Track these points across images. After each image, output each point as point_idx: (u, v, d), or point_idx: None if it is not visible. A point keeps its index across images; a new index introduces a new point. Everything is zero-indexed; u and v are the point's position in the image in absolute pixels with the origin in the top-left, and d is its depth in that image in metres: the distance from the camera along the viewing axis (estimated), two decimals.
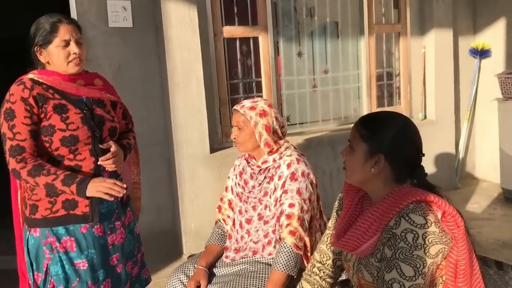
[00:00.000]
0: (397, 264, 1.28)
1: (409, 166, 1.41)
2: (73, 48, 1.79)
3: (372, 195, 1.45)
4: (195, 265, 2.06)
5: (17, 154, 1.70)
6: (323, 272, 1.64)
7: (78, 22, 1.87)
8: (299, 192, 1.96)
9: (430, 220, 1.28)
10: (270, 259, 1.99)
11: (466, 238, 1.32)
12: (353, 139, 1.44)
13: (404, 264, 1.27)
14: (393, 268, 1.28)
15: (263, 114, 2.04)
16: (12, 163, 1.71)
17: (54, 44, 1.78)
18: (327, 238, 1.64)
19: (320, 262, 1.66)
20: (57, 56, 1.79)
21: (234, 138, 2.10)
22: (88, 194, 1.71)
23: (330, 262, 1.64)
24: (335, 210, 1.65)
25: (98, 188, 1.70)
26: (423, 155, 1.44)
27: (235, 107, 2.10)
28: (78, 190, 1.70)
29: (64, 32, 1.78)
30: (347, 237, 1.42)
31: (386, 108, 4.34)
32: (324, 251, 1.65)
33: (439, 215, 1.32)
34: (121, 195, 1.71)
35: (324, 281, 1.64)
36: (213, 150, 3.46)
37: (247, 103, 2.08)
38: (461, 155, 4.65)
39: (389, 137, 1.39)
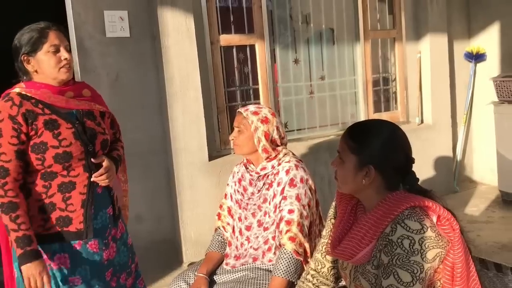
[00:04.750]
0: (394, 270, 1.28)
1: (400, 173, 1.41)
2: (64, 53, 1.76)
3: (366, 203, 1.45)
4: (196, 273, 2.07)
5: (0, 177, 1.66)
6: (317, 279, 1.65)
7: (63, 29, 1.84)
8: (298, 198, 1.97)
9: (425, 225, 1.29)
10: (270, 265, 2.00)
11: (462, 241, 1.33)
12: (342, 151, 1.44)
13: (401, 270, 1.27)
14: (391, 274, 1.29)
15: (265, 120, 2.05)
16: None
17: (44, 51, 1.74)
18: (322, 247, 1.64)
19: (314, 270, 1.66)
20: (48, 63, 1.74)
21: (232, 139, 2.12)
22: (22, 267, 1.66)
23: (325, 270, 1.64)
24: (329, 219, 1.65)
25: (31, 275, 1.65)
26: (413, 161, 1.43)
27: (239, 109, 2.12)
28: (20, 256, 1.66)
29: (53, 37, 1.75)
30: (343, 246, 1.43)
31: (383, 113, 4.37)
32: (319, 260, 1.65)
33: (434, 219, 1.32)
34: None
35: None
36: (211, 157, 3.47)
37: (251, 107, 2.11)
38: (458, 159, 4.67)
39: (377, 148, 1.39)
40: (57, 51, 1.76)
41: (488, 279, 1.57)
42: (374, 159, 1.38)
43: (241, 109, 2.11)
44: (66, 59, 1.76)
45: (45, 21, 1.81)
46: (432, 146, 4.35)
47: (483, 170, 4.76)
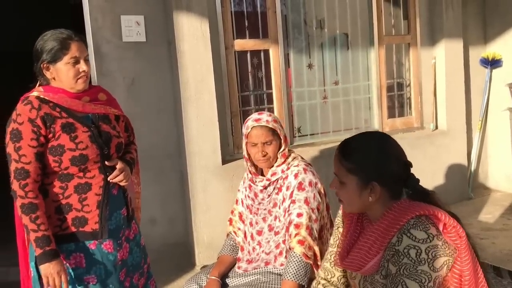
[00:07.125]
0: (402, 280, 1.28)
1: (400, 179, 1.42)
2: (82, 66, 1.80)
3: (371, 214, 1.46)
4: (208, 276, 2.08)
5: (21, 179, 1.71)
6: None
7: (84, 39, 1.87)
8: (306, 201, 1.98)
9: (431, 234, 1.29)
10: (282, 269, 2.01)
11: (469, 248, 1.33)
12: (339, 174, 1.45)
13: (409, 280, 1.28)
14: (399, 284, 1.29)
15: (282, 125, 2.09)
16: (15, 185, 1.72)
17: (64, 61, 1.77)
18: (331, 256, 1.64)
19: (325, 279, 1.67)
20: (66, 73, 1.78)
21: (265, 155, 2.05)
22: (41, 266, 1.71)
23: (335, 279, 1.64)
24: (336, 227, 1.65)
25: (50, 274, 1.70)
26: (411, 164, 1.44)
27: (258, 123, 2.05)
28: (40, 256, 1.70)
29: (74, 49, 1.78)
30: (351, 257, 1.44)
31: (397, 119, 4.34)
32: (328, 269, 1.66)
33: (441, 227, 1.32)
34: None
35: None
36: (225, 161, 3.49)
37: (266, 117, 2.07)
38: (473, 166, 4.63)
39: (374, 162, 1.40)
40: (76, 62, 1.79)
41: (502, 287, 1.57)
42: (374, 175, 1.39)
43: (261, 123, 2.04)
44: (84, 71, 1.81)
45: (66, 28, 1.84)
46: (447, 152, 4.31)
47: (498, 177, 4.71)
